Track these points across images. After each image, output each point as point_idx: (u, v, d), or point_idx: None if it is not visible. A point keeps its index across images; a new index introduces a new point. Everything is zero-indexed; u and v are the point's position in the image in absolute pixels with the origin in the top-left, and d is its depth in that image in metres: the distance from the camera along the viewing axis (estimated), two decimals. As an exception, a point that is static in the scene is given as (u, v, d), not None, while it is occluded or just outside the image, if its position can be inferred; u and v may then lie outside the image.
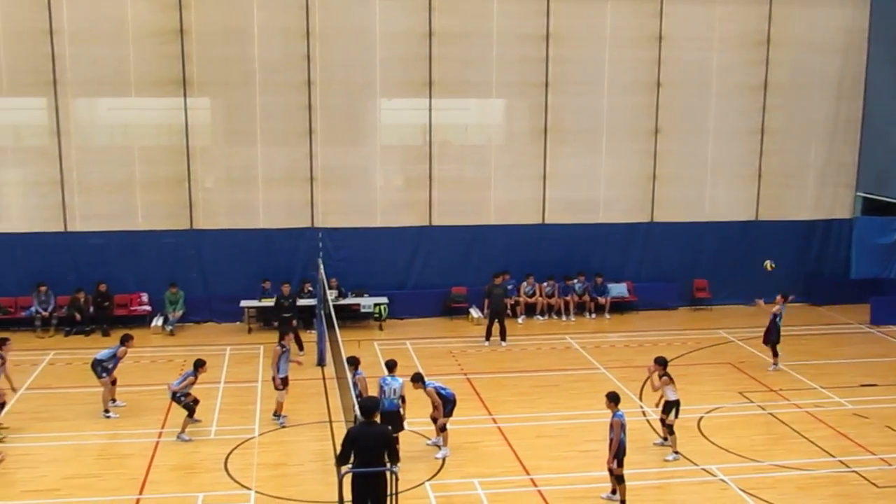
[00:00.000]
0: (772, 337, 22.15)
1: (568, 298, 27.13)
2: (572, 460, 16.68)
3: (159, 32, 24.99)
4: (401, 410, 16.65)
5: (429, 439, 17.29)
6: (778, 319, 22.00)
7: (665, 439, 17.03)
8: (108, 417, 18.68)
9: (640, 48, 27.13)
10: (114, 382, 19.18)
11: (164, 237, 25.89)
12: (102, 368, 18.86)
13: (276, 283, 25.27)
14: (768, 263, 22.60)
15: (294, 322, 23.37)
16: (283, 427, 18.12)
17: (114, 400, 19.17)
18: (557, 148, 27.25)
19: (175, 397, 17.61)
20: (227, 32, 25.42)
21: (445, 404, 16.82)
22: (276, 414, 18.41)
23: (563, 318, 27.06)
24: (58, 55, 24.75)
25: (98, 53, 24.97)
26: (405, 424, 16.91)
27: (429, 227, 27.05)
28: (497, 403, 19.75)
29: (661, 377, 16.79)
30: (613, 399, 14.99)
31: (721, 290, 28.22)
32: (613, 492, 14.90)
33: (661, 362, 16.93)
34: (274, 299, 24.45)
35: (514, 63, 26.67)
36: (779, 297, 22.22)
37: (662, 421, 17.00)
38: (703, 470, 16.31)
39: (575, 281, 27.24)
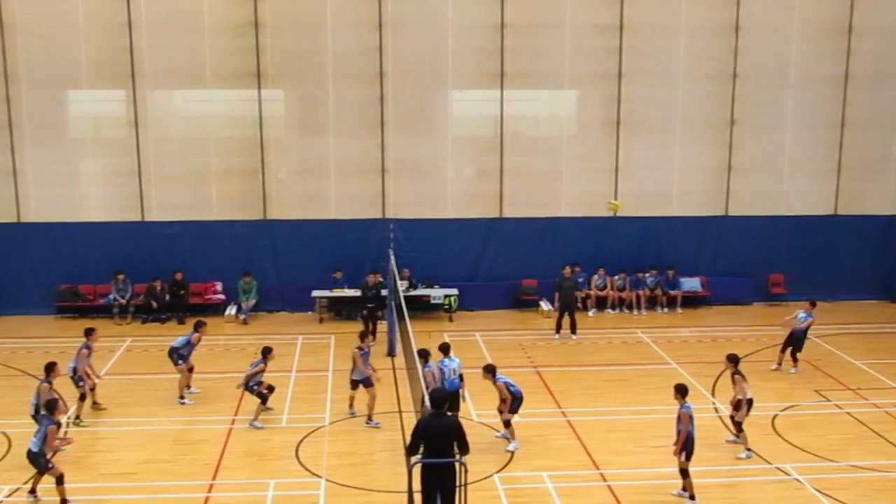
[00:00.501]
0: (791, 343, 21.25)
1: (639, 292, 26.87)
2: (642, 455, 16.50)
3: (234, 25, 25.33)
4: (460, 390, 16.97)
5: (497, 432, 17.28)
6: (803, 326, 21.12)
7: (737, 436, 16.75)
8: (183, 404, 19.02)
9: (716, 38, 26.66)
10: (191, 370, 19.55)
11: (238, 227, 26.27)
12: (178, 356, 19.24)
13: (348, 273, 25.52)
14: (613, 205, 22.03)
15: (379, 313, 23.53)
16: (353, 417, 18.23)
17: (189, 387, 19.52)
18: (630, 140, 26.97)
19: (248, 387, 17.82)
20: (300, 25, 25.66)
21: (512, 401, 16.76)
22: (368, 417, 17.99)
23: (635, 311, 26.81)
24: (136, 48, 25.24)
25: (175, 46, 25.42)
26: (465, 395, 17.45)
27: (499, 219, 27.00)
28: (567, 397, 19.65)
29: (733, 375, 16.50)
30: (681, 391, 14.82)
31: (798, 285, 27.58)
32: (684, 489, 14.73)
33: (733, 359, 16.65)
34: (360, 290, 24.46)
35: (586, 54, 26.45)
36: (807, 305, 21.50)
37: (732, 418, 16.72)
38: (777, 469, 16.01)
39: (647, 274, 26.96)
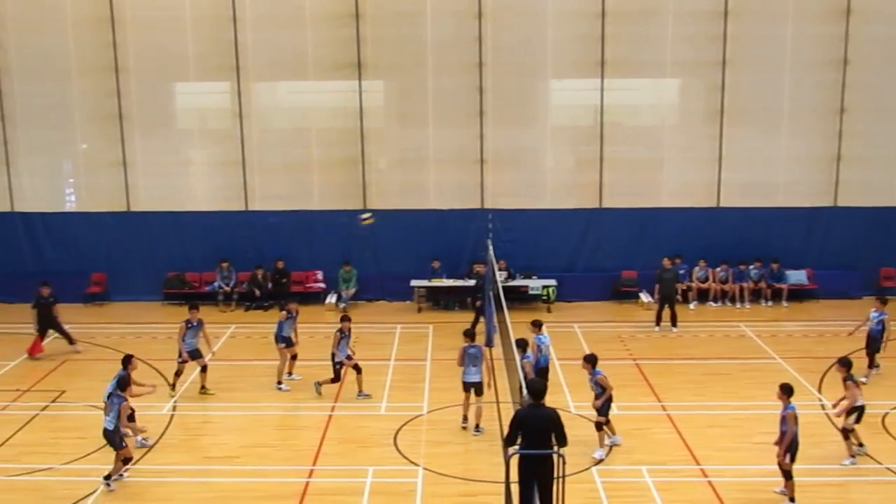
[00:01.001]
0: (869, 344, 20.00)
1: (743, 285, 26.30)
2: (745, 452, 16.16)
3: (336, 16, 25.63)
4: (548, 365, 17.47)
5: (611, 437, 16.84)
6: (877, 326, 19.87)
7: (860, 445, 16.07)
8: (280, 390, 19.35)
9: (826, 23, 25.84)
10: (294, 357, 19.91)
11: (339, 217, 26.58)
12: (282, 339, 19.64)
13: (446, 263, 25.66)
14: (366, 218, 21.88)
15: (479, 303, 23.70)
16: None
17: (290, 373, 19.86)
18: (734, 129, 26.38)
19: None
20: (400, 15, 25.82)
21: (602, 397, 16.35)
22: (477, 427, 17.52)
23: (738, 304, 26.27)
24: (240, 41, 25.77)
25: (277, 38, 25.87)
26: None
27: (599, 209, 26.74)
28: (667, 390, 19.36)
29: (844, 381, 15.92)
30: (787, 391, 14.39)
31: (911, 279, 26.75)
32: (786, 489, 14.36)
33: (846, 364, 16.00)
34: (473, 281, 24.57)
35: (689, 41, 25.96)
36: (877, 303, 20.16)
37: (844, 430, 15.90)
38: (888, 469, 15.49)
39: (751, 267, 26.36)
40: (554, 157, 27.10)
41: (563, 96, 27.13)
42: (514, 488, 11.92)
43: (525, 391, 12.33)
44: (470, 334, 17.76)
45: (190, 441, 16.74)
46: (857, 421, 15.84)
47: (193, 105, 27.29)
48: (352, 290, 26.07)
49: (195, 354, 19.17)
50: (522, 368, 15.42)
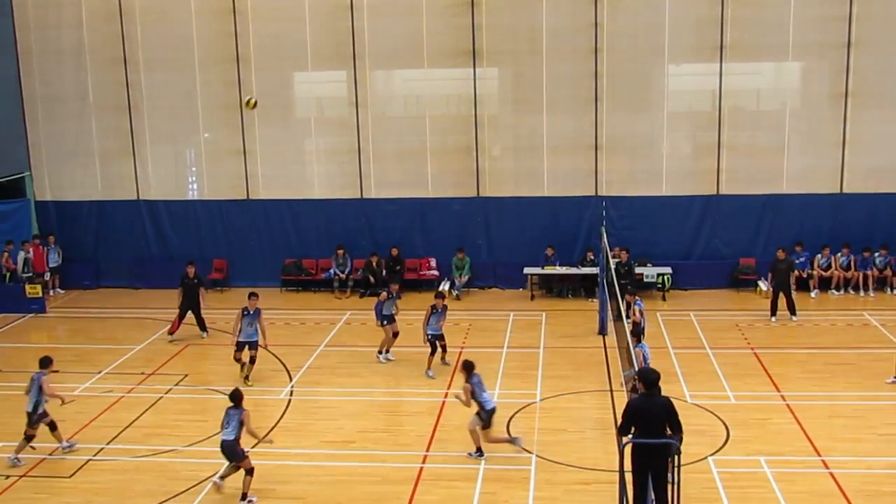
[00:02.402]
0: None
1: (867, 272, 25.45)
2: (869, 444, 15.67)
3: (452, 4, 25.72)
4: None
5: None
6: None
7: None
8: (379, 360, 20.42)
9: (959, 0, 24.77)
10: (395, 335, 20.47)
11: (453, 204, 26.74)
12: (383, 317, 20.35)
13: (560, 250, 25.59)
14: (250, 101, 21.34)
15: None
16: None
17: (387, 351, 20.51)
18: (859, 112, 25.46)
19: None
20: (516, 2, 25.75)
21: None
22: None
23: (861, 293, 25.43)
24: (357, 30, 26.09)
25: (394, 27, 26.10)
26: None
27: (717, 196, 26.21)
28: (786, 380, 18.90)
29: None
30: None
31: None
32: None
33: None
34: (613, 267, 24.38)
35: (812, 23, 25.15)
36: None
37: None
38: None
39: (876, 254, 25.48)
40: (670, 144, 26.63)
41: (680, 81, 26.60)
42: (629, 478, 11.85)
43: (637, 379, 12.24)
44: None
45: (308, 425, 17.09)
46: None
47: (311, 94, 27.79)
48: (465, 278, 26.19)
49: (251, 345, 19.30)
50: (636, 357, 15.31)
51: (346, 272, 26.71)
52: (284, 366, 20.37)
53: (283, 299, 26.53)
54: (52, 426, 15.86)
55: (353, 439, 16.45)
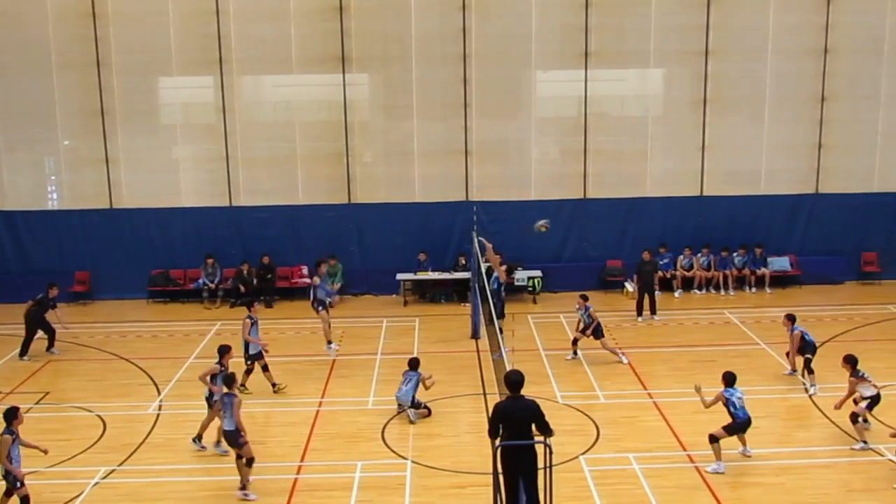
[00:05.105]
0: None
1: (727, 272, 26.44)
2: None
3: (320, 10, 25.57)
4: None
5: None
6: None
7: (865, 421, 16.22)
8: (329, 349, 20.64)
9: (808, 12, 26.00)
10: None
11: (324, 211, 26.56)
12: (319, 302, 20.73)
13: (432, 255, 25.75)
14: (541, 225, 21.25)
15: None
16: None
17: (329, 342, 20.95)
18: (717, 118, 26.50)
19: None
20: (385, 8, 25.79)
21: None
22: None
23: (722, 292, 26.41)
24: (224, 34, 25.67)
25: (261, 32, 25.79)
26: None
27: (584, 200, 26.80)
28: (653, 378, 19.46)
29: (850, 377, 16.12)
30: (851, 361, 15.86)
31: (892, 263, 26.97)
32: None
33: (851, 361, 16.21)
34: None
35: (673, 31, 26.05)
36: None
37: (853, 416, 15.97)
38: (872, 450, 15.64)
39: (734, 254, 26.50)
40: (539, 149, 27.11)
41: (547, 87, 27.14)
42: (502, 480, 11.97)
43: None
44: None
45: (178, 440, 16.64)
46: (869, 408, 16.08)
47: (177, 100, 27.12)
48: (338, 285, 26.01)
49: (259, 355, 18.98)
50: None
51: (216, 282, 26.20)
52: (152, 379, 19.84)
53: (150, 311, 25.87)
54: None
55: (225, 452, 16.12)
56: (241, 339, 18.86)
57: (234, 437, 14.48)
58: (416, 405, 17.26)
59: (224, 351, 16.37)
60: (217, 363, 16.24)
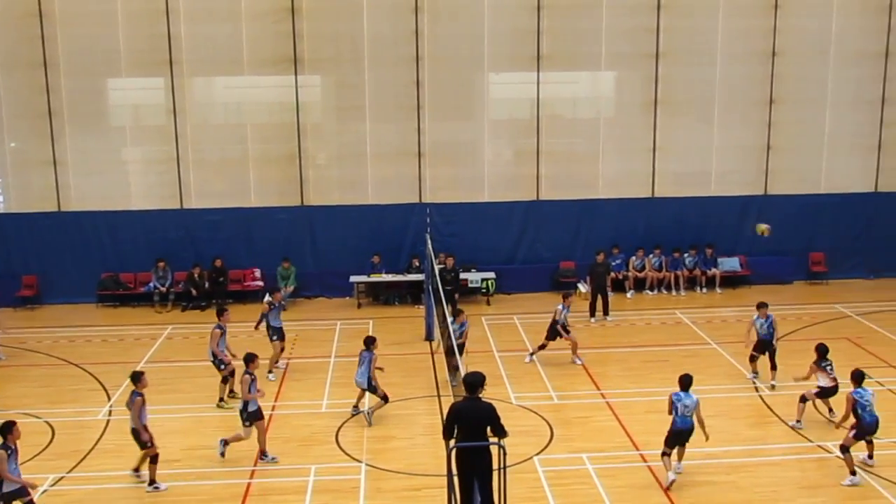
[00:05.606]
0: (762, 349, 19.29)
1: (678, 273, 26.71)
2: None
3: (272, 11, 25.40)
4: None
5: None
6: (767, 330, 19.24)
7: (830, 410, 16.96)
8: (269, 379, 19.65)
9: (756, 16, 26.36)
10: (283, 349, 20.36)
11: (277, 213, 26.39)
12: (273, 331, 20.29)
13: (386, 257, 25.70)
14: (764, 228, 21.50)
15: (456, 295, 23.92)
16: None
17: (277, 362, 20.32)
18: (668, 120, 26.77)
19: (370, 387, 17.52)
20: (337, 9, 25.68)
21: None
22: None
23: (674, 292, 26.67)
24: (174, 35, 25.39)
25: (212, 33, 25.55)
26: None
27: (537, 202, 26.92)
28: (606, 378, 19.61)
29: (814, 363, 16.68)
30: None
31: (839, 263, 27.47)
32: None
33: (820, 349, 16.71)
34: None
35: (624, 34, 26.24)
36: (759, 311, 19.19)
37: (803, 398, 16.74)
38: (819, 447, 15.91)
39: (685, 255, 26.78)
40: (492, 151, 27.18)
41: (500, 90, 27.21)
42: (457, 481, 11.98)
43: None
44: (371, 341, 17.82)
45: (129, 446, 16.31)
46: (818, 396, 16.68)
47: (127, 101, 26.77)
48: (291, 288, 25.84)
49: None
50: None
51: (167, 285, 25.91)
52: (102, 385, 19.57)
53: (100, 315, 25.49)
54: None
55: (177, 458, 15.95)
56: (209, 348, 18.59)
57: (136, 435, 14.72)
58: (372, 389, 17.20)
59: (250, 359, 15.98)
60: (245, 373, 15.79)
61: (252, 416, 15.65)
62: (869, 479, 14.72)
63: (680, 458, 14.99)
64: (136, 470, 15.11)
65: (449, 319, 18.69)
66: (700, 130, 27.01)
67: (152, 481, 14.81)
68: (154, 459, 14.80)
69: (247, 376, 15.65)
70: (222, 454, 15.77)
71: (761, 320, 19.13)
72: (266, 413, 17.67)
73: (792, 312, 24.33)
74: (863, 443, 15.02)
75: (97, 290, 26.14)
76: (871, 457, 15.16)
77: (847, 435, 14.78)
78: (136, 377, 15.07)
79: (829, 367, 16.66)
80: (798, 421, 16.57)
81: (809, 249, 27.58)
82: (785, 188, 27.29)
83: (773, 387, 18.73)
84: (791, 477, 15.02)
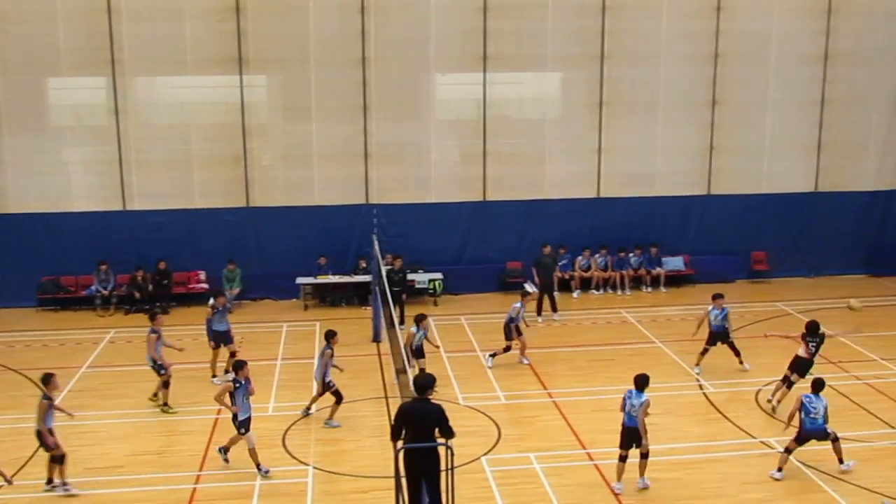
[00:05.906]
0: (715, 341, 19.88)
1: (623, 272, 26.95)
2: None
3: (216, 10, 25.14)
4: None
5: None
6: (721, 322, 19.87)
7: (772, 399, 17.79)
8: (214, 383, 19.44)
9: (699, 19, 26.72)
10: (232, 354, 19.72)
11: (222, 215, 26.13)
12: (217, 336, 19.92)
13: (332, 259, 25.58)
14: (855, 304, 22.10)
15: (404, 296, 23.87)
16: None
17: (227, 370, 19.56)
18: (613, 121, 27.00)
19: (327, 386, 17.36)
20: (282, 9, 25.49)
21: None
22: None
23: (619, 291, 26.91)
24: (115, 34, 25.01)
25: (155, 32, 25.19)
26: None
27: (484, 202, 26.97)
28: (553, 378, 19.72)
29: (799, 337, 17.74)
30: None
31: (780, 262, 27.97)
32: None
33: (809, 326, 17.62)
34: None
35: (569, 36, 26.42)
36: (715, 301, 19.86)
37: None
38: (762, 443, 16.15)
39: (631, 254, 27.03)
40: (439, 151, 27.18)
41: (447, 90, 27.24)
42: (404, 483, 11.96)
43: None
44: (332, 334, 17.71)
45: (70, 453, 16.02)
46: (790, 368, 17.61)
47: (67, 101, 26.26)
48: (236, 290, 25.62)
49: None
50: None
51: (110, 288, 25.52)
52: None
53: (40, 319, 25.02)
54: None
55: (121, 464, 15.72)
56: (147, 354, 18.30)
57: (40, 438, 14.65)
58: (327, 386, 17.16)
59: (238, 367, 15.59)
60: (232, 380, 15.45)
61: (244, 424, 15.31)
62: (810, 473, 14.96)
63: (642, 472, 14.63)
64: (50, 481, 14.79)
65: (413, 328, 18.87)
66: (645, 131, 27.26)
67: (50, 480, 14.68)
68: (60, 460, 14.67)
69: (230, 384, 15.34)
70: (261, 470, 15.23)
71: (716, 311, 19.59)
72: (211, 417, 17.58)
73: (735, 311, 24.44)
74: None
75: (37, 293, 25.65)
76: (841, 461, 15.04)
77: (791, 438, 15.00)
78: (46, 379, 14.97)
79: (812, 344, 17.44)
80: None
81: (751, 248, 28.03)
82: (728, 188, 27.71)
83: (745, 370, 19.67)
84: (735, 473, 15.20)
